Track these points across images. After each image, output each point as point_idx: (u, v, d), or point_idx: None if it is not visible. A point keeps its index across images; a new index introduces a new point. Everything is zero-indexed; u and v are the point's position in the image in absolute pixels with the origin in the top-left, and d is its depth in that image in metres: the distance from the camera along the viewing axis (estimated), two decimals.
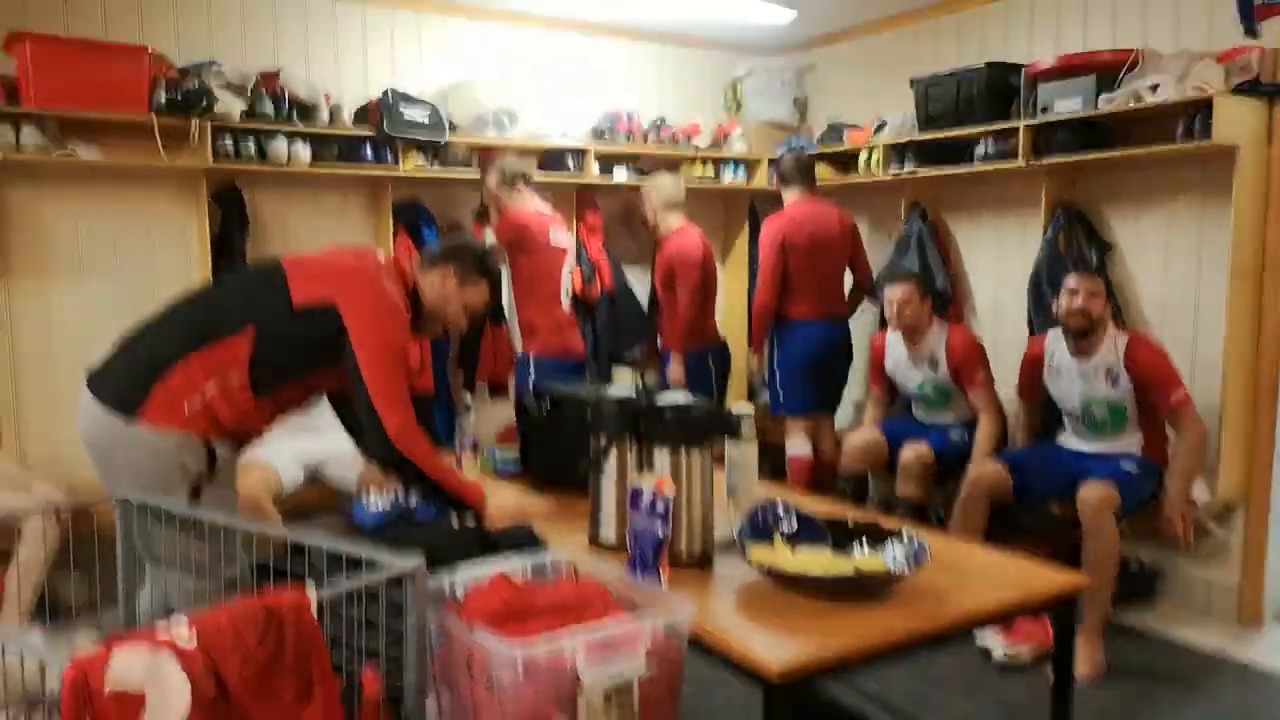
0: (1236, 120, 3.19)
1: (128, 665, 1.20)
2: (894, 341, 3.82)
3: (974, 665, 2.99)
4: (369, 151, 3.86)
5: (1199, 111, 3.20)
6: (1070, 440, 3.38)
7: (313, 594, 1.39)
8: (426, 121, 3.93)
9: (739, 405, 2.25)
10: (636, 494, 1.78)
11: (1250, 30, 3.21)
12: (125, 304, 3.53)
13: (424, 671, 1.48)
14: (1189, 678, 2.97)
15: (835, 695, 2.51)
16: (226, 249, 3.72)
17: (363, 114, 3.91)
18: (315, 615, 1.38)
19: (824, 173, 4.54)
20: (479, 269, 2.30)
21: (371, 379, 2.00)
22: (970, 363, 3.63)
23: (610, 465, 1.99)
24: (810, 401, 4.18)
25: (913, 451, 3.57)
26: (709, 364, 4.19)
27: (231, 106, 3.55)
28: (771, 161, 4.85)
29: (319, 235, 4.00)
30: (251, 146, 3.62)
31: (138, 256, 3.67)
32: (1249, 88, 3.22)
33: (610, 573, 1.71)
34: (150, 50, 3.46)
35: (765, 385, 4.33)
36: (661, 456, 1.88)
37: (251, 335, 1.99)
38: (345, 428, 2.50)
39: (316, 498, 3.28)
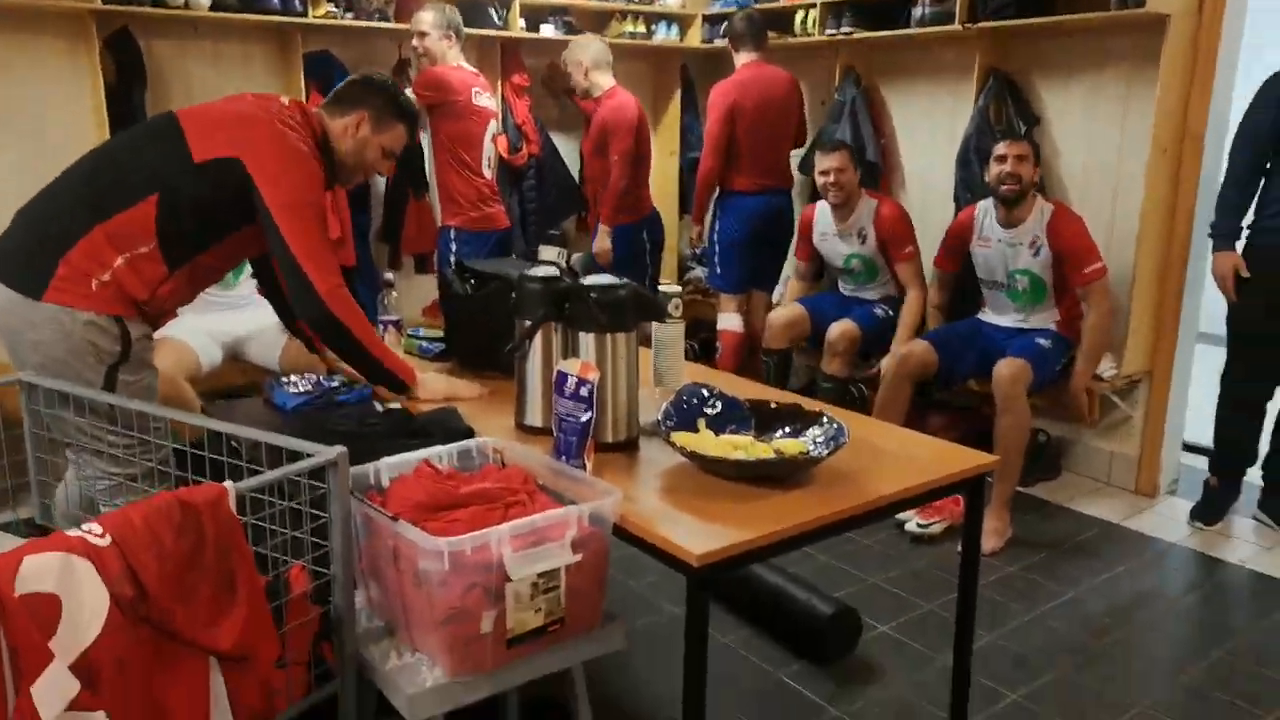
0: None
1: (39, 569, 1.17)
2: (823, 213, 3.80)
3: (889, 540, 3.14)
4: None
5: None
6: (989, 315, 3.47)
7: (230, 487, 1.36)
8: None
9: (667, 285, 2.23)
10: (561, 379, 1.76)
11: None
12: (15, 169, 3.27)
13: (350, 565, 1.48)
14: (1086, 546, 3.16)
15: (756, 572, 2.62)
16: (123, 104, 3.45)
17: None
18: (234, 509, 1.36)
19: None
20: (394, 111, 2.14)
21: (291, 234, 1.90)
22: (899, 235, 3.65)
23: (535, 348, 1.97)
24: (748, 277, 4.17)
25: (840, 328, 3.63)
26: (643, 238, 4.12)
27: None
28: (706, 19, 4.67)
29: (223, 89, 3.65)
30: None
31: (24, 114, 3.37)
32: None
33: (536, 458, 1.72)
34: None
35: (702, 258, 4.29)
36: (587, 340, 1.86)
37: (155, 200, 1.85)
38: (269, 298, 2.41)
39: (237, 377, 3.19)
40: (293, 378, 2.29)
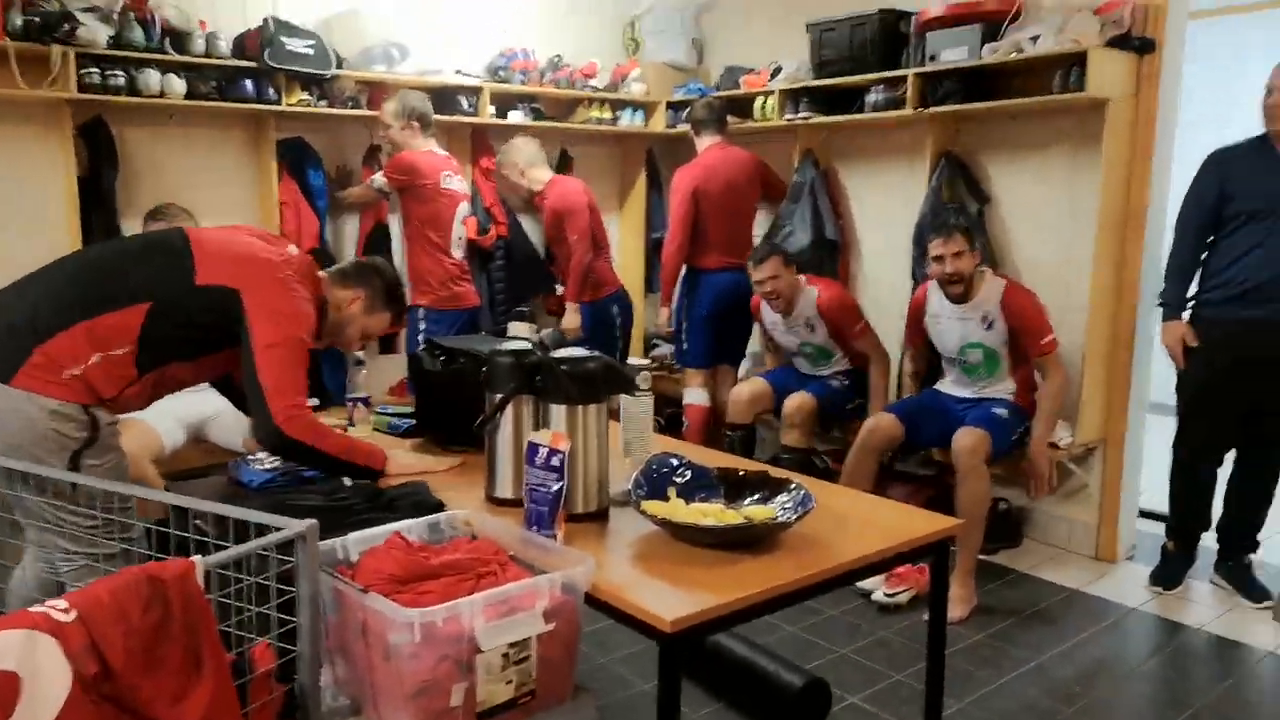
0: (1108, 73, 3.33)
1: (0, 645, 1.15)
2: (768, 311, 3.88)
3: (856, 610, 3.15)
4: (249, 86, 3.66)
5: (1075, 63, 3.34)
6: (949, 386, 3.55)
7: (199, 562, 1.35)
8: (311, 53, 3.72)
9: (635, 359, 2.27)
10: (533, 449, 1.79)
11: None
12: None
13: (318, 641, 1.47)
14: (1050, 613, 3.19)
15: (726, 646, 2.61)
16: (94, 190, 3.49)
17: (240, 44, 3.68)
18: (202, 583, 1.35)
19: None
20: (388, 300, 2.30)
21: (266, 370, 1.94)
22: (846, 318, 3.74)
23: (506, 421, 1.99)
24: (715, 353, 4.25)
25: (795, 401, 3.69)
26: (612, 314, 4.19)
27: (96, 33, 3.28)
28: (669, 105, 4.83)
29: (195, 176, 3.80)
30: (120, 78, 3.36)
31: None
32: (1120, 41, 3.37)
33: (507, 530, 1.72)
34: None
35: (672, 336, 4.36)
36: (558, 412, 1.89)
37: (147, 309, 1.90)
38: (231, 401, 2.42)
39: (201, 458, 3.15)
40: (259, 454, 2.29)
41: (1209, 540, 3.41)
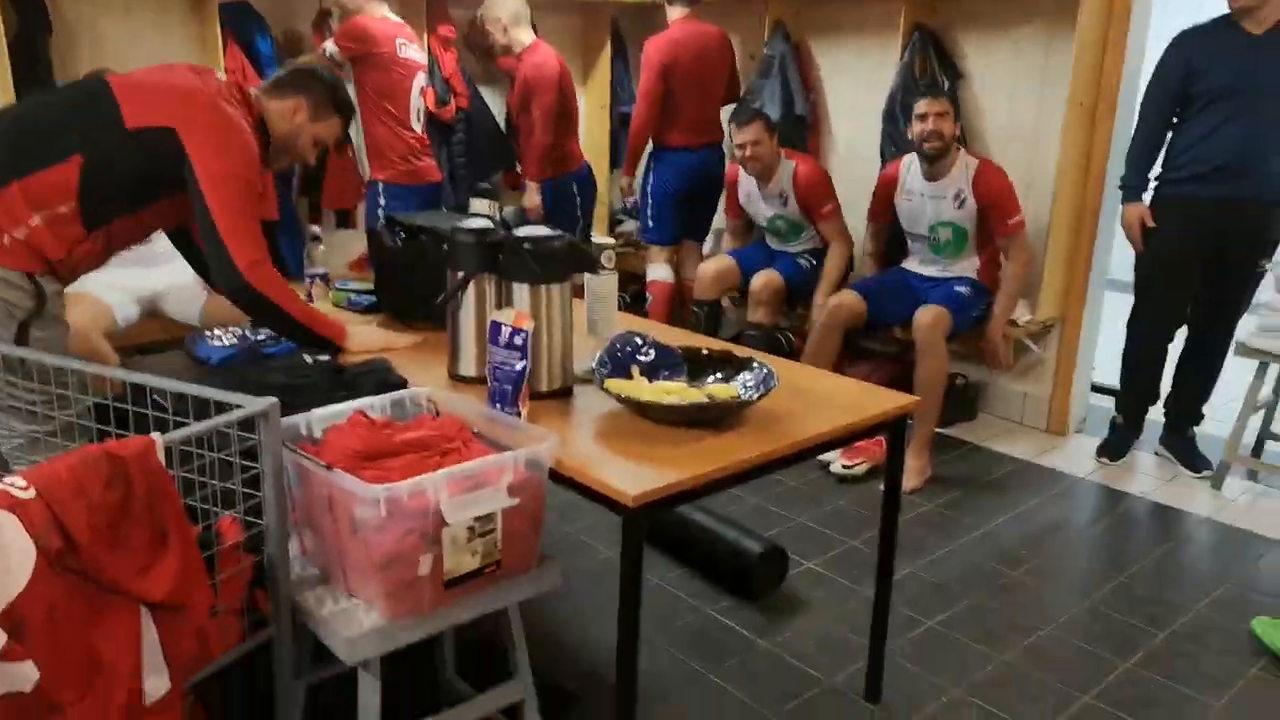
0: None
1: None
2: (746, 175, 3.84)
3: (815, 481, 3.25)
4: None
5: None
6: (914, 264, 3.56)
7: (159, 439, 1.35)
8: None
9: (600, 237, 2.24)
10: (495, 328, 1.78)
11: None
12: None
13: (283, 516, 1.48)
14: (1001, 484, 3.31)
15: (689, 515, 2.68)
16: (28, 57, 3.29)
17: None
18: (162, 459, 1.35)
19: None
20: (333, 102, 2.16)
21: (220, 210, 1.87)
22: (818, 195, 3.70)
23: (468, 300, 1.97)
24: (680, 230, 4.21)
25: (763, 279, 3.69)
26: (573, 191, 4.11)
27: None
28: None
29: (136, 45, 3.59)
30: None
31: None
32: None
33: (470, 407, 1.73)
34: None
35: (633, 212, 4.30)
36: (520, 291, 1.87)
37: (79, 162, 1.80)
38: (187, 259, 2.35)
39: (156, 333, 3.10)
40: (216, 331, 2.26)
41: (1156, 414, 3.53)
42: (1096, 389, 3.92)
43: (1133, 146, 3.26)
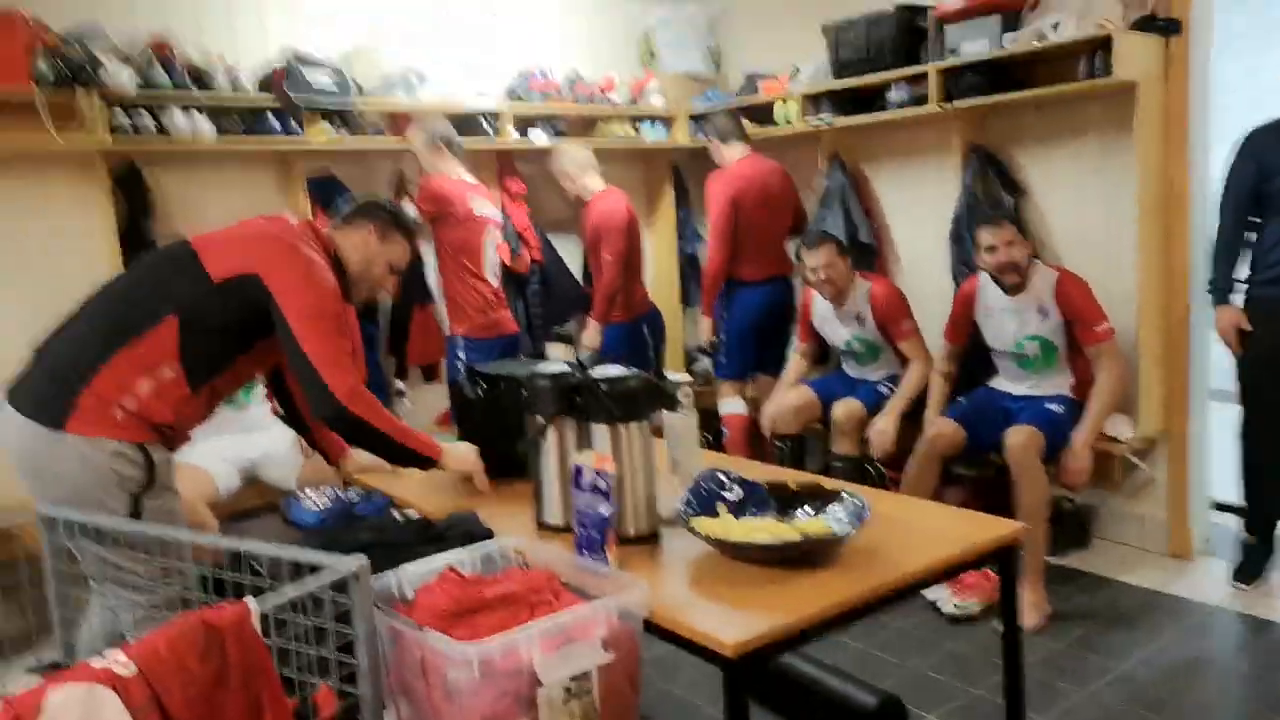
0: (1135, 57, 3.26)
1: (64, 702, 1.14)
2: (820, 299, 3.84)
3: (924, 622, 3.06)
4: (274, 122, 3.69)
5: (1099, 48, 3.27)
6: (1002, 383, 3.46)
7: (254, 606, 1.34)
8: (333, 87, 3.76)
9: (675, 374, 2.24)
10: (578, 473, 1.76)
11: None
12: (35, 308, 3.23)
13: (379, 680, 1.45)
14: (1129, 616, 3.07)
15: (793, 665, 2.54)
16: (134, 238, 3.53)
17: (266, 82, 3.72)
18: (258, 628, 1.34)
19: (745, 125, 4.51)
20: (397, 224, 2.24)
21: (310, 342, 1.93)
22: (895, 314, 3.68)
23: (549, 444, 1.97)
24: (753, 364, 4.22)
25: (844, 408, 3.62)
26: (644, 334, 4.18)
27: (121, 75, 3.27)
28: (691, 116, 4.81)
29: (230, 216, 3.71)
30: (148, 120, 3.38)
31: (42, 256, 3.42)
32: (1145, 24, 3.30)
33: (558, 556, 1.70)
34: (23, 14, 3.15)
35: (716, 349, 4.33)
36: (600, 432, 1.86)
37: (175, 323, 1.89)
38: (283, 410, 2.41)
39: (254, 498, 3.17)
40: (309, 493, 2.29)
41: None
42: (1220, 507, 3.65)
43: (1215, 249, 3.18)
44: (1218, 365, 3.52)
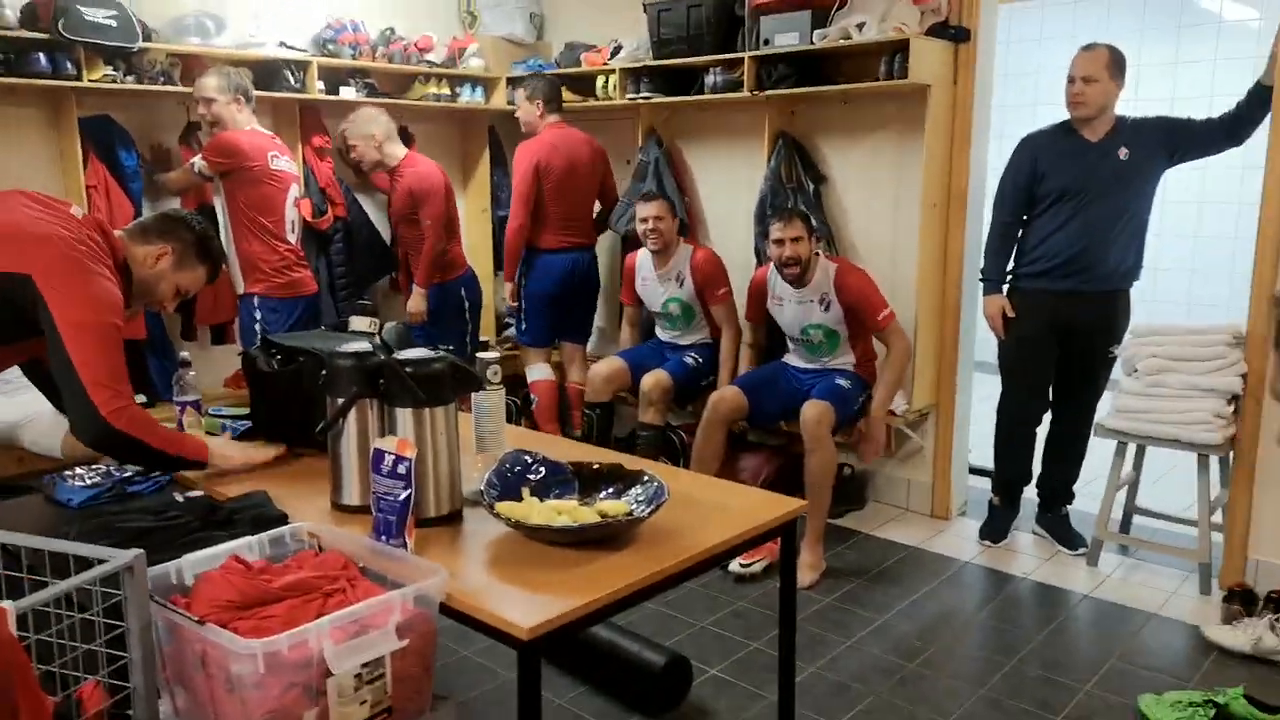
0: (929, 61, 3.50)
1: None
2: (644, 260, 3.95)
3: (714, 582, 3.25)
4: (43, 60, 3.33)
5: (898, 51, 3.48)
6: (794, 359, 3.68)
7: (10, 609, 1.24)
8: (114, 25, 3.41)
9: (484, 353, 2.22)
10: (379, 457, 1.73)
11: None
12: None
13: (151, 675, 1.38)
14: (893, 573, 3.38)
15: (588, 632, 2.62)
16: None
17: (31, 13, 3.34)
18: (14, 629, 1.24)
19: (564, 95, 4.49)
20: (200, 252, 2.14)
21: (80, 359, 1.81)
22: (714, 278, 3.85)
23: (349, 425, 1.91)
24: (554, 332, 4.27)
25: (653, 379, 3.75)
26: (460, 296, 4.13)
27: None
28: (510, 81, 4.73)
29: None
30: None
31: None
32: (938, 30, 3.55)
33: (354, 541, 1.66)
34: None
35: (515, 315, 4.33)
36: (404, 416, 1.83)
37: None
38: (46, 395, 2.22)
39: (12, 466, 2.90)
40: (78, 470, 2.11)
41: (1031, 494, 3.69)
42: (975, 471, 4.09)
43: (989, 241, 3.49)
44: (982, 341, 3.90)
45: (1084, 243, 3.26)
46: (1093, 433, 3.43)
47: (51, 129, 3.59)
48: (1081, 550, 3.48)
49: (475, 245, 4.91)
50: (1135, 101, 4.40)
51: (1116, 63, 3.23)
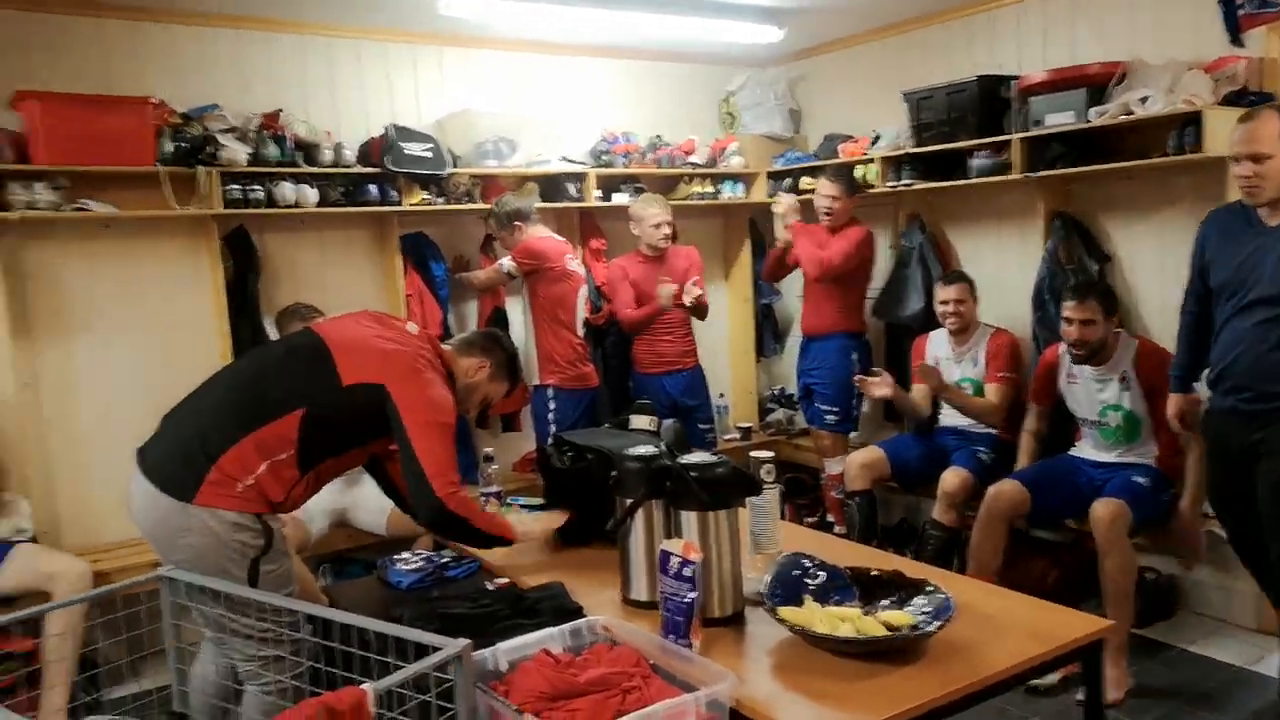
0: (1226, 131, 3.20)
1: None
2: (937, 339, 3.88)
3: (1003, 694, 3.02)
4: (373, 190, 3.89)
5: (1189, 122, 3.24)
6: (1086, 450, 3.43)
7: (370, 689, 1.44)
8: (428, 156, 3.95)
9: (759, 452, 2.29)
10: (665, 558, 1.82)
11: (1235, 40, 3.27)
12: (146, 355, 3.63)
13: None
14: (1214, 692, 3.01)
15: None
16: (240, 293, 3.75)
17: (365, 152, 3.93)
18: (373, 710, 1.43)
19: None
20: (509, 371, 2.45)
21: (423, 452, 2.10)
22: (1001, 356, 3.74)
23: (637, 524, 2.04)
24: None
25: (958, 479, 3.56)
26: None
27: (236, 151, 3.57)
28: (769, 175, 4.88)
29: (327, 275, 4.04)
30: (259, 191, 3.63)
31: (155, 307, 3.68)
32: (1236, 98, 3.26)
33: (645, 638, 1.76)
34: (152, 100, 3.49)
35: (782, 399, 4.35)
36: (689, 520, 1.92)
37: (300, 415, 2.06)
38: (381, 486, 2.55)
39: (343, 542, 3.33)
40: (405, 554, 2.41)
41: None
42: None
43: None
44: None
45: (1236, 350, 2.66)
46: None
47: (376, 247, 4.16)
48: None
49: (737, 332, 5.06)
50: None
51: None
